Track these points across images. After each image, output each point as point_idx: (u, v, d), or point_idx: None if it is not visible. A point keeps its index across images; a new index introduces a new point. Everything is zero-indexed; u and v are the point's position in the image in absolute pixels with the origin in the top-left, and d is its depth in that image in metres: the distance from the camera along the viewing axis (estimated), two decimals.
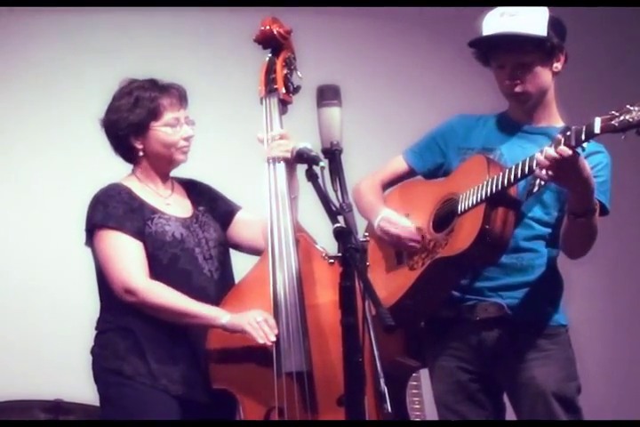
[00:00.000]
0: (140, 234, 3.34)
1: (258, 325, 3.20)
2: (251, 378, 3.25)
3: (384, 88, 5.55)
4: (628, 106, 2.95)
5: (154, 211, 3.38)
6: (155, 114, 3.37)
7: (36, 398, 4.48)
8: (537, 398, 3.26)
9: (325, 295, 3.18)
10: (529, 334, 3.30)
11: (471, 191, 3.20)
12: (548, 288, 3.34)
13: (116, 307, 3.35)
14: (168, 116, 3.38)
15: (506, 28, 3.27)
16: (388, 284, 3.34)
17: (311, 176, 2.97)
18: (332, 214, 2.85)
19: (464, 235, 3.18)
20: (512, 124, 3.39)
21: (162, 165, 3.43)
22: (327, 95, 3.10)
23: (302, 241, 3.31)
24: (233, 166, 4.65)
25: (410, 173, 3.50)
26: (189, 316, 3.26)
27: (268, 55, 3.46)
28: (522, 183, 3.22)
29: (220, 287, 3.37)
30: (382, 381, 2.83)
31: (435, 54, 5.54)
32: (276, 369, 3.19)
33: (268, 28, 3.41)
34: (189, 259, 3.36)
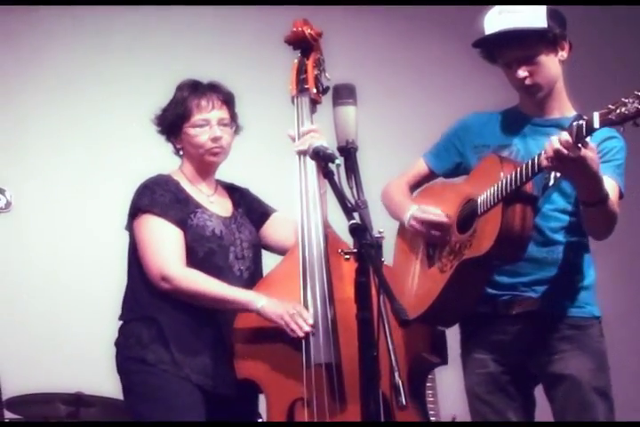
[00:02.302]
0: (182, 224, 3.36)
1: (291, 317, 3.23)
2: (277, 368, 3.28)
3: (399, 87, 5.57)
4: (622, 99, 2.97)
5: (198, 205, 3.42)
6: (184, 115, 3.41)
7: (58, 390, 4.53)
8: (572, 388, 3.29)
9: (351, 290, 3.20)
10: (563, 327, 3.33)
11: (488, 192, 3.22)
12: (581, 280, 3.36)
13: (143, 296, 3.37)
14: (196, 117, 3.41)
15: (506, 24, 3.29)
16: (421, 287, 3.39)
17: (327, 174, 2.99)
18: (348, 211, 2.87)
19: (485, 235, 3.21)
20: (524, 118, 3.40)
21: (197, 165, 3.47)
22: (343, 94, 3.16)
23: (330, 237, 3.35)
24: (262, 165, 4.68)
25: (431, 175, 3.54)
26: (225, 301, 3.30)
27: (297, 56, 3.51)
28: (537, 178, 3.23)
29: (246, 287, 3.39)
30: (397, 374, 2.89)
31: (448, 53, 5.54)
32: (305, 360, 3.23)
33: (300, 29, 3.47)
34: (223, 256, 3.40)
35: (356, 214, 2.87)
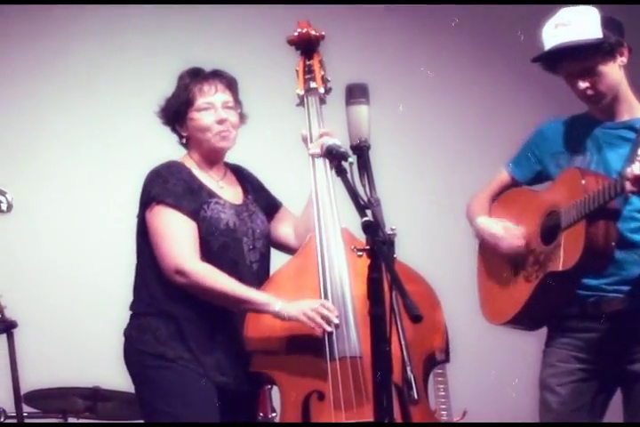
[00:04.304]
0: (195, 215, 3.32)
1: (313, 313, 3.23)
2: (291, 362, 3.30)
3: (411, 86, 5.60)
4: None
5: (211, 195, 3.38)
6: (187, 101, 3.39)
7: (76, 385, 4.59)
8: None
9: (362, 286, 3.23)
10: None
11: (572, 206, 3.31)
12: None
13: (158, 290, 3.34)
14: (200, 101, 3.39)
15: (562, 38, 3.37)
16: (507, 295, 3.51)
17: (340, 172, 3.01)
18: (361, 208, 2.91)
19: (570, 251, 3.31)
20: (596, 123, 3.47)
21: (206, 151, 3.43)
22: (356, 93, 3.17)
23: (345, 234, 3.39)
24: (273, 165, 4.69)
25: (513, 184, 3.63)
26: (242, 301, 3.27)
27: (300, 57, 3.57)
28: None
29: (257, 279, 3.39)
30: (409, 369, 2.94)
31: (461, 52, 5.57)
32: (329, 353, 3.24)
33: (305, 30, 3.54)
34: (237, 249, 3.37)
35: (368, 212, 2.92)
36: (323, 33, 3.56)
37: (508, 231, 3.50)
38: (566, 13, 3.41)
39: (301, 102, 3.52)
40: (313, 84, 3.51)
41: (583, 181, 3.31)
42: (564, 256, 3.33)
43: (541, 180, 3.58)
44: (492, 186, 3.67)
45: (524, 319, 3.48)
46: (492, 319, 3.57)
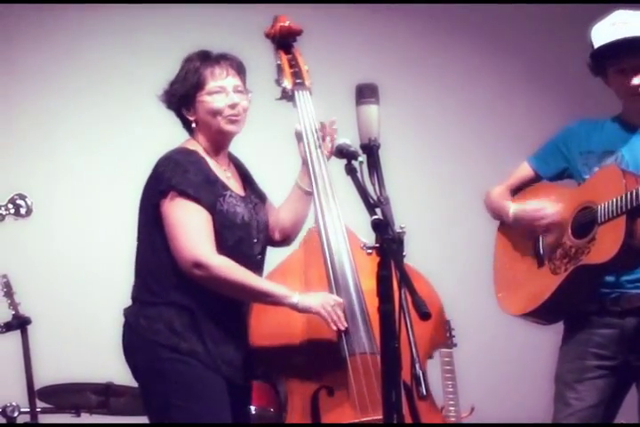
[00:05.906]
0: (212, 208, 3.28)
1: (333, 308, 3.25)
2: (296, 360, 3.31)
3: (420, 86, 5.64)
4: None
5: (225, 187, 3.35)
6: (198, 84, 3.34)
7: (89, 381, 4.65)
8: None
9: (370, 284, 3.15)
10: None
11: (611, 202, 3.34)
12: None
13: (171, 280, 3.29)
14: (211, 84, 3.35)
15: (621, 34, 3.41)
16: (530, 287, 3.54)
17: (350, 170, 3.05)
18: (370, 207, 2.94)
19: (607, 245, 3.34)
20: (629, 126, 3.52)
21: (214, 136, 3.37)
22: (366, 93, 3.18)
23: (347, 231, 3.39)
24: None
25: (535, 179, 3.66)
26: (260, 294, 3.27)
27: (279, 51, 3.56)
28: None
29: (260, 271, 3.39)
30: (417, 365, 2.98)
31: (470, 53, 5.60)
32: (347, 349, 3.25)
33: (287, 24, 3.53)
34: (250, 243, 3.35)
35: (378, 210, 2.94)
36: (301, 28, 3.54)
37: (548, 202, 3.50)
38: (622, 14, 3.46)
39: (288, 97, 3.49)
40: (298, 79, 3.49)
41: (624, 180, 3.34)
42: (602, 249, 3.35)
43: (563, 177, 3.60)
44: (512, 179, 3.69)
45: (544, 312, 3.50)
46: (509, 310, 3.58)
